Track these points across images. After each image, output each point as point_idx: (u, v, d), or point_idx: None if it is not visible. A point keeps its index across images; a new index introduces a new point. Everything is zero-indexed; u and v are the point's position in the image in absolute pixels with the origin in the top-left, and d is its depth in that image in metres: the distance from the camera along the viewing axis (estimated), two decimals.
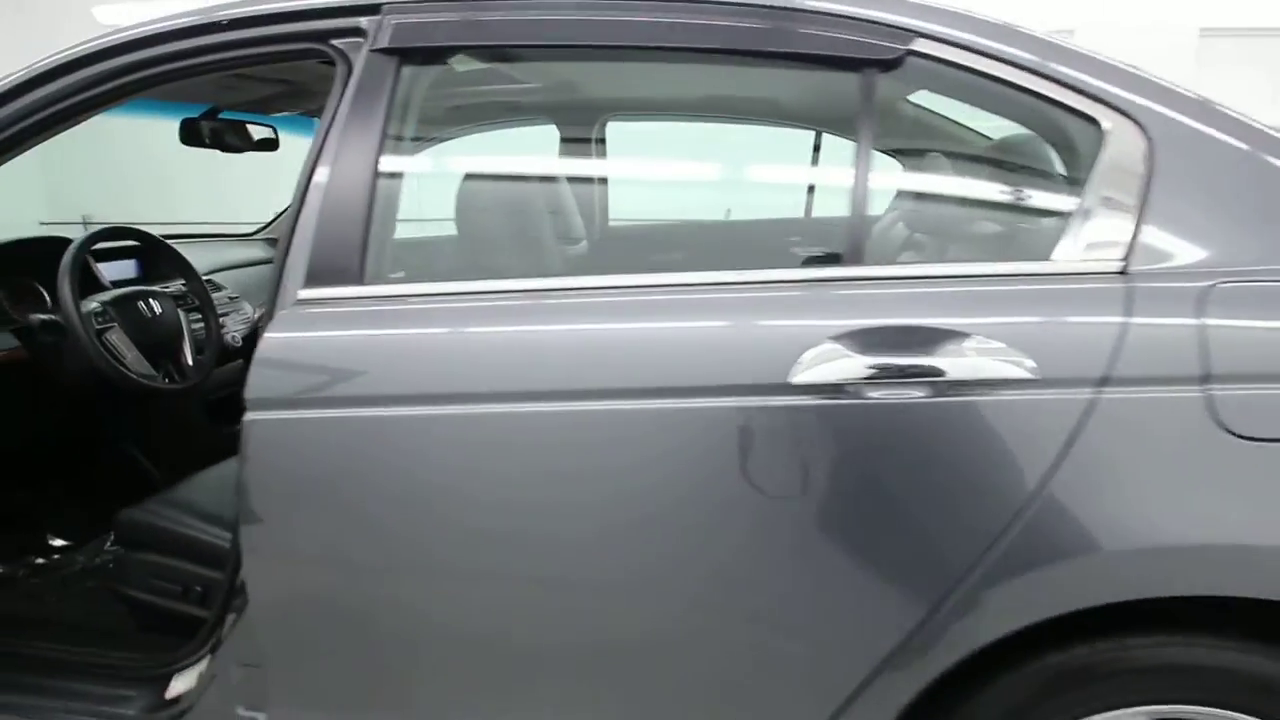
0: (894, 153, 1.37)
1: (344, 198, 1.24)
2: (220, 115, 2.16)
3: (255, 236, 3.04)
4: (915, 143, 1.23)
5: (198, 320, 2.07)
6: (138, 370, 1.81)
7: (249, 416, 1.18)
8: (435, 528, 1.15)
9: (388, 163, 1.26)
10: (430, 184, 1.35)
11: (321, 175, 1.25)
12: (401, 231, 1.29)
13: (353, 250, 1.23)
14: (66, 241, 1.93)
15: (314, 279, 1.23)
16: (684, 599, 1.09)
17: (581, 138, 1.68)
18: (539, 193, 1.43)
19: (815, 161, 1.42)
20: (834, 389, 1.01)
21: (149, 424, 2.31)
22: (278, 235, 3.00)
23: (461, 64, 1.31)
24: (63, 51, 1.34)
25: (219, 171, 3.15)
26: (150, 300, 1.91)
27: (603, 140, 1.69)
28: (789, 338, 1.03)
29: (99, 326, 1.77)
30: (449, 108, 1.57)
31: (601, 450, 1.08)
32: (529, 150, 1.54)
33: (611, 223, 1.66)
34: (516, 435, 1.10)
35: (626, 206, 1.56)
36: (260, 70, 1.87)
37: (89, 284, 2.08)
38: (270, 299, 1.25)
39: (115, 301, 1.84)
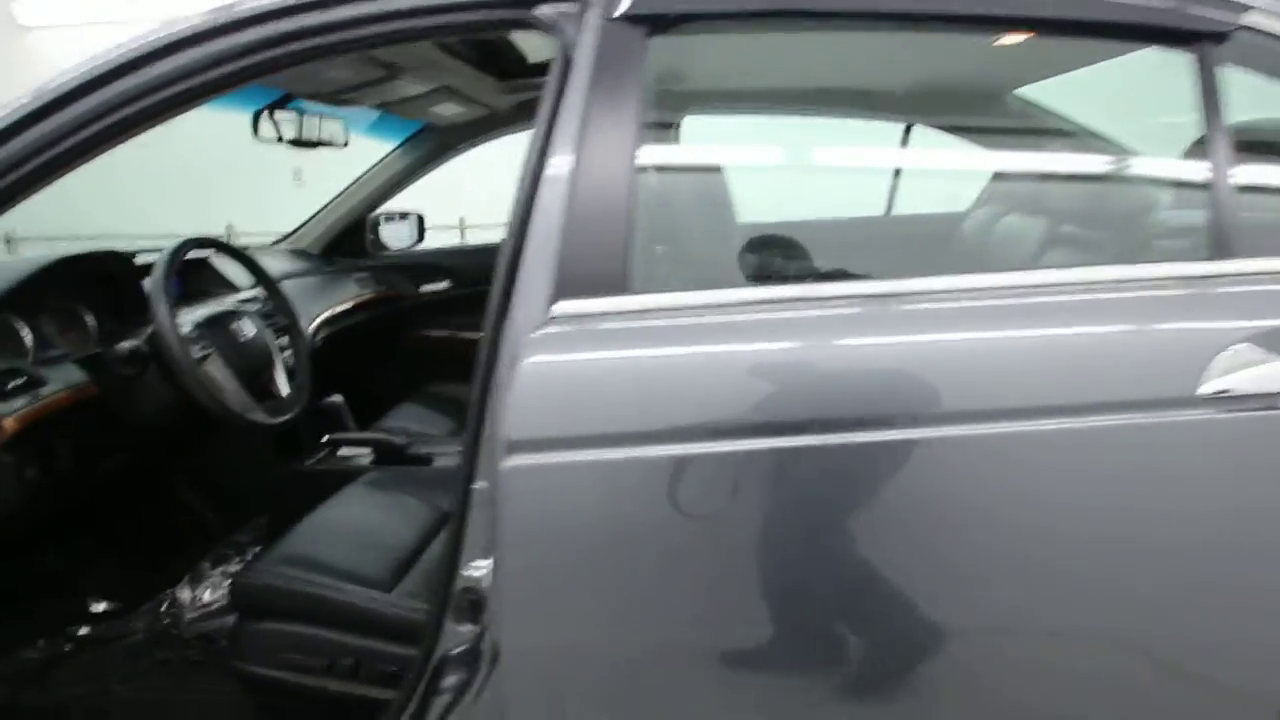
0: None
1: (598, 193, 1.03)
2: (289, 106, 1.88)
3: (278, 247, 2.73)
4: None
5: (283, 343, 1.79)
6: (239, 405, 1.53)
7: (512, 462, 0.96)
8: (776, 587, 0.96)
9: (648, 151, 1.06)
10: (703, 174, 1.16)
11: (559, 168, 1.04)
12: (673, 230, 1.08)
13: (615, 254, 1.03)
14: (99, 259, 1.62)
15: (568, 290, 1.02)
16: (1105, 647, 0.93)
17: (878, 117, 1.49)
18: (840, 178, 1.24)
19: (1149, 149, 1.29)
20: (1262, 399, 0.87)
21: (205, 462, 2.00)
22: (304, 245, 2.72)
23: (727, 35, 1.11)
24: (180, 24, 1.08)
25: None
26: (242, 320, 1.63)
27: (897, 119, 1.49)
28: (1192, 342, 0.89)
29: (198, 355, 1.48)
30: (720, 85, 1.36)
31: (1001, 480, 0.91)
32: (822, 131, 1.35)
33: (924, 212, 1.47)
34: (879, 467, 0.92)
35: (941, 195, 1.39)
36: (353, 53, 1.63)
37: (142, 305, 1.78)
38: (495, 318, 1.04)
39: (208, 323, 1.56)
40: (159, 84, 1.07)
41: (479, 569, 1.12)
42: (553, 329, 1.00)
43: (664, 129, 1.10)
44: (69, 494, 1.55)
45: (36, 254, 1.59)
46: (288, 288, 2.30)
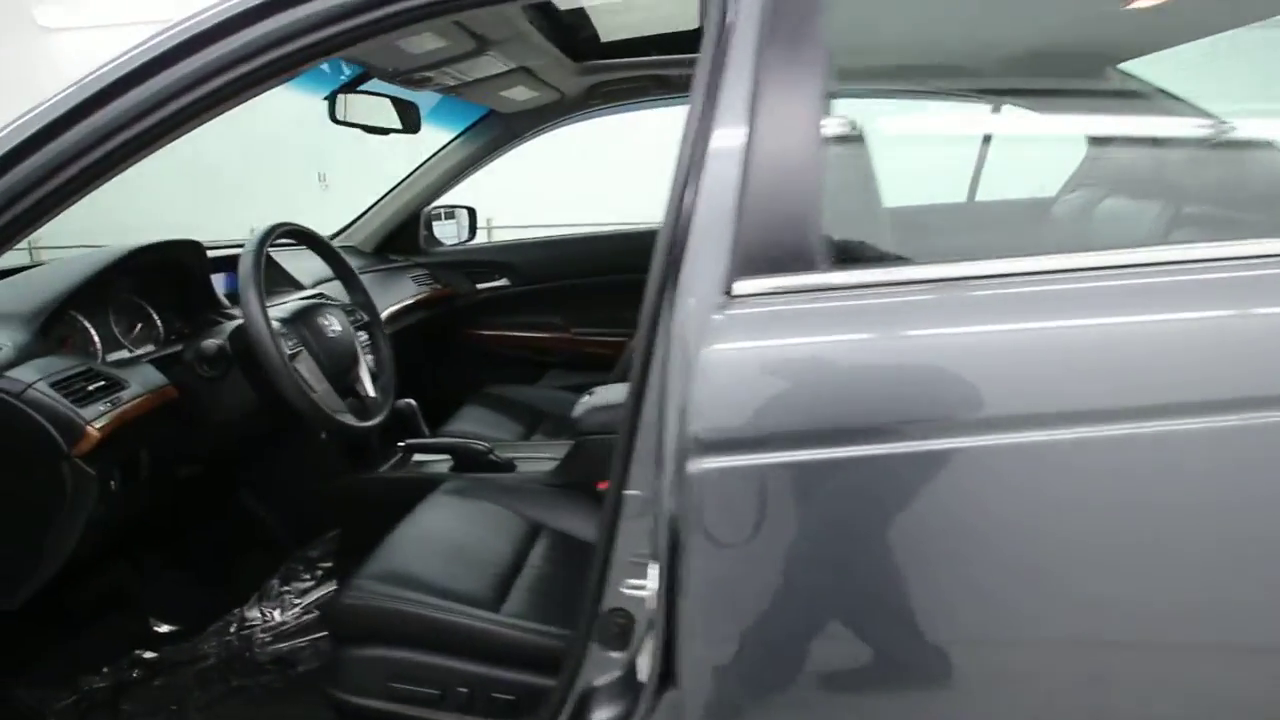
0: None
1: (781, 161, 0.89)
2: (361, 88, 1.75)
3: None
4: None
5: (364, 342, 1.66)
6: (330, 406, 1.39)
7: (704, 464, 0.82)
8: (1013, 609, 0.81)
9: (834, 114, 0.92)
10: (894, 141, 1.02)
11: (730, 139, 0.90)
12: (866, 201, 0.95)
13: (806, 227, 0.89)
14: (169, 249, 1.49)
15: (751, 267, 0.88)
16: None
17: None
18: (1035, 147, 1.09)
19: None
20: None
21: (273, 471, 1.87)
22: (354, 242, 2.59)
23: None
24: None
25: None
26: (328, 315, 1.49)
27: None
28: None
29: (288, 352, 1.35)
30: (908, 41, 1.21)
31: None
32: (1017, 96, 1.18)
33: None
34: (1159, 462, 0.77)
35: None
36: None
37: (210, 301, 1.65)
38: (654, 303, 0.90)
39: (294, 318, 1.43)
40: (211, 70, 0.95)
41: (636, 589, 0.98)
42: (738, 311, 0.86)
43: (847, 89, 0.96)
44: (144, 507, 1.42)
45: (106, 247, 1.46)
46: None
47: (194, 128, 1.00)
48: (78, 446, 1.13)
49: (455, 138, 2.49)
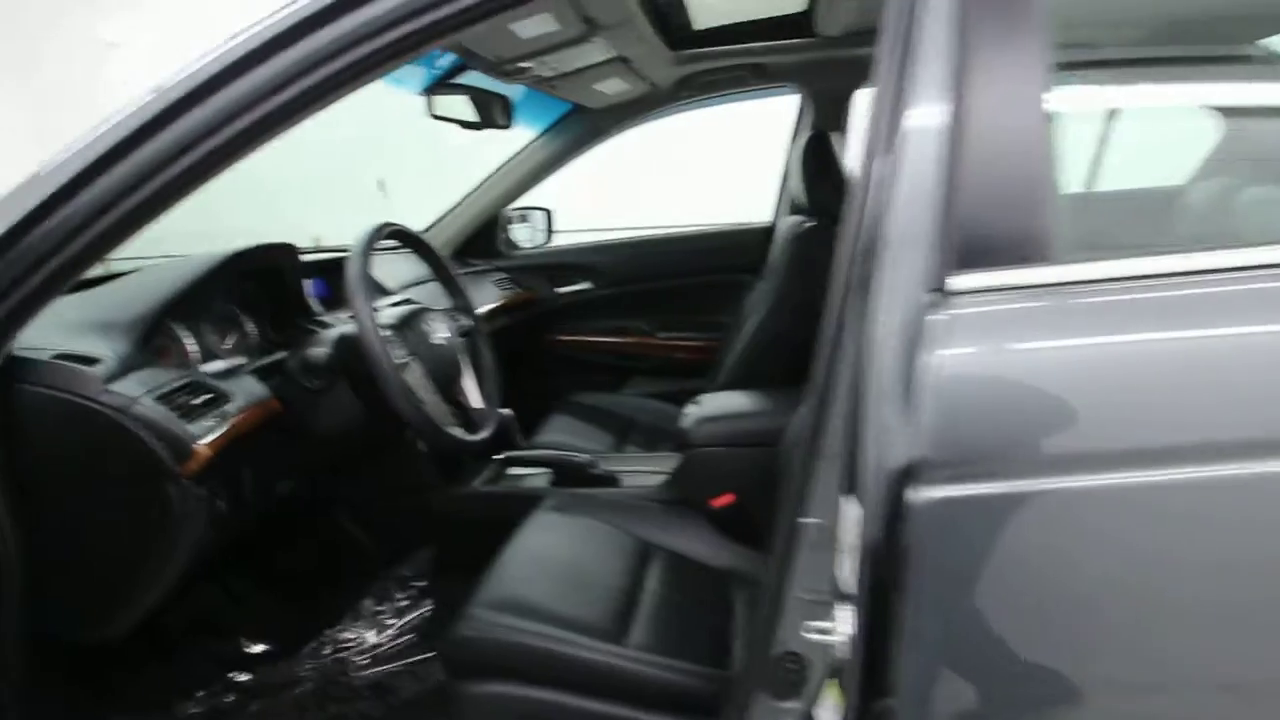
0: None
1: (996, 135, 0.76)
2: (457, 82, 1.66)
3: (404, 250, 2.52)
4: None
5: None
6: (441, 419, 1.29)
7: (928, 492, 0.69)
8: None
9: (1059, 86, 0.78)
10: (1129, 113, 0.88)
11: (929, 117, 0.77)
12: (1101, 183, 0.80)
13: (1034, 211, 0.75)
14: (265, 254, 1.41)
15: (968, 258, 0.74)
16: None
17: None
18: None
19: None
20: None
21: (366, 486, 1.78)
22: (437, 246, 2.51)
23: None
24: None
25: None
26: (432, 321, 1.40)
27: None
28: None
29: (399, 363, 1.25)
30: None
31: None
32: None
33: None
34: None
35: None
36: None
37: (303, 308, 1.57)
38: (840, 301, 0.78)
39: (400, 325, 1.33)
40: (285, 78, 0.86)
41: (820, 631, 0.85)
42: (960, 311, 0.72)
43: (1071, 57, 0.82)
44: (245, 527, 1.33)
45: (200, 254, 1.38)
46: (423, 290, 2.09)
47: (270, 139, 0.92)
48: (185, 466, 1.05)
49: (537, 136, 2.40)
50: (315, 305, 1.63)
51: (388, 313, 1.36)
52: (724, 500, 1.66)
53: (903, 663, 0.74)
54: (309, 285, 1.83)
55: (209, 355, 1.39)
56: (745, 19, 2.01)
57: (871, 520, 0.74)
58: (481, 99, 1.72)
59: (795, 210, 2.36)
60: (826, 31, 1.95)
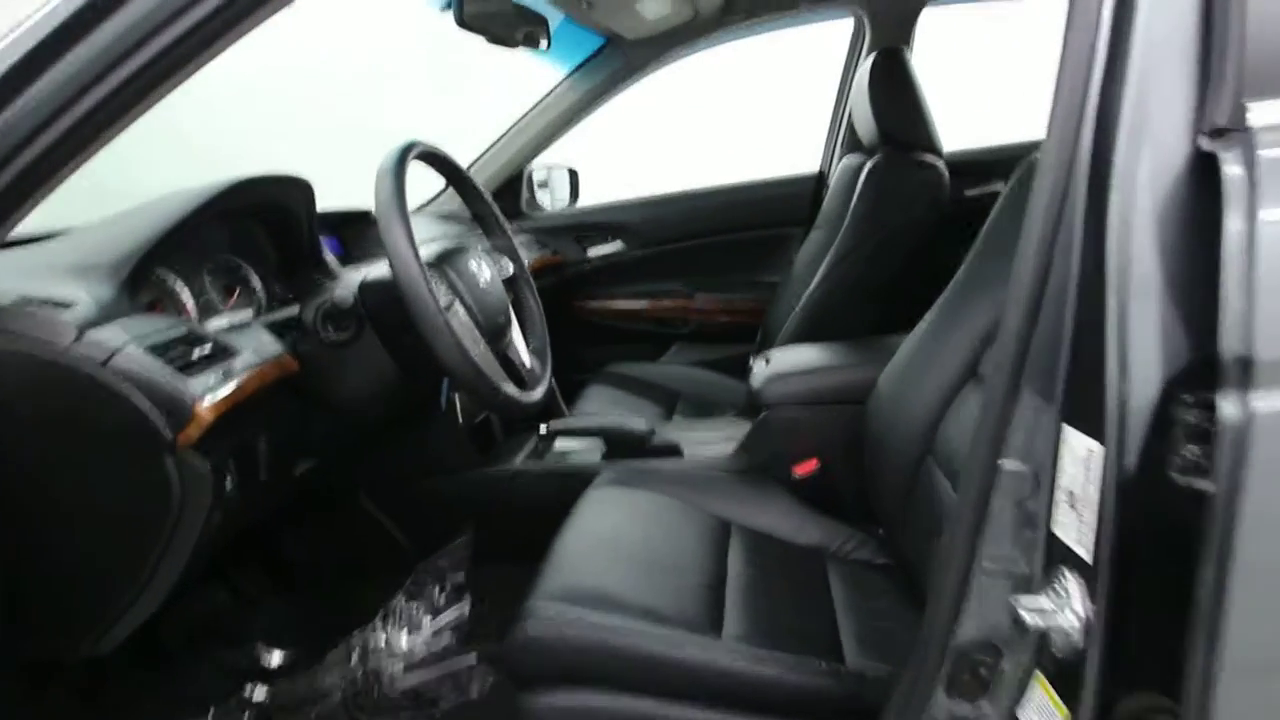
0: None
1: None
2: None
3: (421, 212, 2.29)
4: None
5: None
6: (495, 374, 1.06)
7: (1243, 404, 0.49)
8: None
9: None
10: None
11: None
12: None
13: None
14: (267, 189, 1.18)
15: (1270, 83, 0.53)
16: None
17: None
18: None
19: None
20: None
21: (394, 464, 1.55)
22: (451, 208, 2.28)
23: None
24: None
25: None
26: (477, 260, 1.17)
27: None
28: None
29: (444, 304, 1.02)
30: None
31: None
32: None
33: None
34: None
35: None
36: None
37: (317, 261, 1.33)
38: (1062, 167, 0.60)
39: (441, 261, 1.10)
40: None
41: (1032, 611, 0.64)
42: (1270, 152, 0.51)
43: None
44: (257, 514, 1.11)
45: (189, 189, 1.14)
46: (434, 250, 1.86)
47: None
48: (185, 433, 0.82)
49: (567, 76, 2.15)
50: (332, 260, 1.39)
51: (428, 249, 1.13)
52: (807, 467, 1.44)
53: (1198, 649, 0.53)
54: (329, 244, 1.60)
55: (210, 311, 1.16)
56: None
57: (1127, 454, 0.53)
58: (517, 11, 1.48)
59: (855, 148, 2.13)
60: None
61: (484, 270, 1.15)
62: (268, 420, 0.99)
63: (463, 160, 2.27)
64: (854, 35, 2.11)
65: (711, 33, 2.04)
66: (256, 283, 1.28)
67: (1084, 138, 0.59)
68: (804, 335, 1.71)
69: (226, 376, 0.89)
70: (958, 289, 1.21)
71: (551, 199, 2.43)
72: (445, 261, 1.09)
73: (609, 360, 2.26)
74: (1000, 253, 1.14)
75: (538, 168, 2.35)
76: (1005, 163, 2.12)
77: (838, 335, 1.64)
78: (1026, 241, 0.63)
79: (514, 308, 1.29)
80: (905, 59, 1.70)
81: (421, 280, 0.93)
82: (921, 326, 1.25)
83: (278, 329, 1.11)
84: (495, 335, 1.14)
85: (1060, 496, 0.63)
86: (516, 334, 1.22)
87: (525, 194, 2.35)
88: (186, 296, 1.13)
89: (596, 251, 2.40)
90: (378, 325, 1.08)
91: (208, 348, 0.92)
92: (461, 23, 1.35)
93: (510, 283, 1.31)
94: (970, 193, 1.99)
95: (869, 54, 2.03)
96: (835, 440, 1.41)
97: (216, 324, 1.13)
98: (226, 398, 0.86)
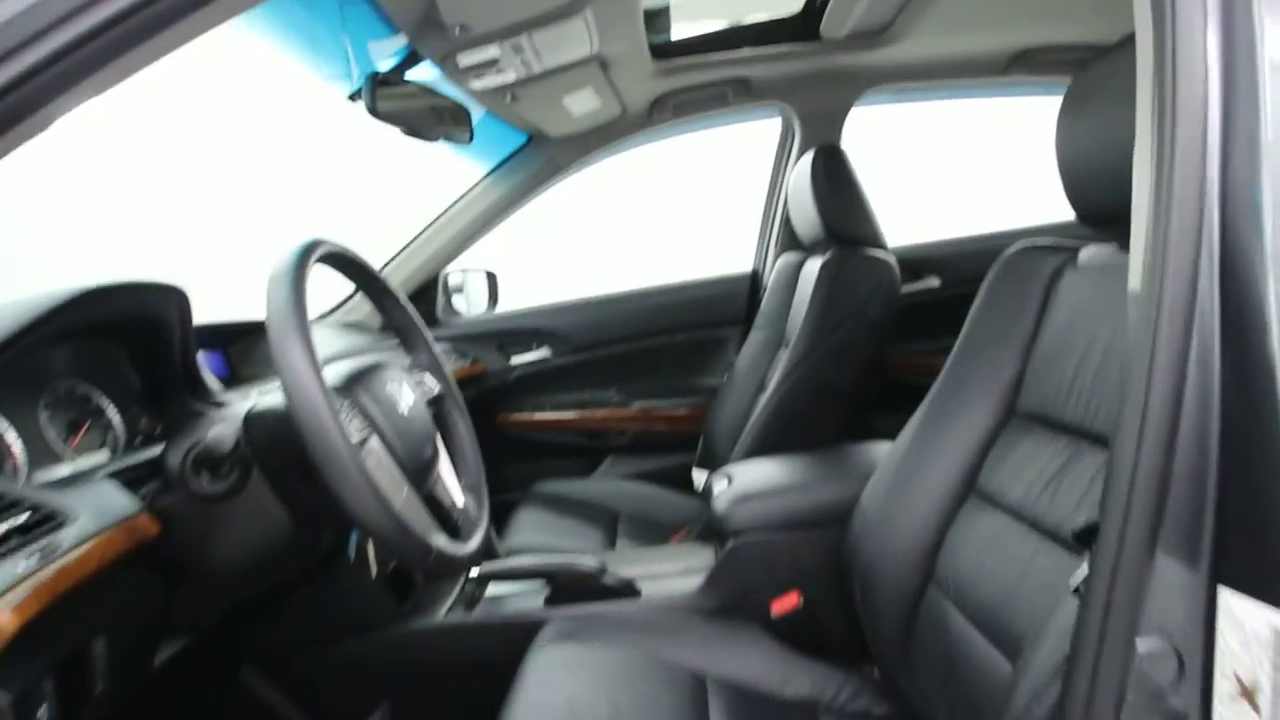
0: None
1: None
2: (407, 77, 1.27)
3: (324, 320, 2.06)
4: None
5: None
6: (422, 526, 0.84)
7: None
8: None
9: None
10: None
11: None
12: None
13: None
14: (123, 297, 0.95)
15: None
16: None
17: None
18: None
19: None
20: None
21: (288, 633, 1.27)
22: (359, 317, 2.06)
23: None
24: None
25: None
26: (395, 381, 0.95)
27: None
28: None
29: (356, 442, 0.81)
30: None
31: None
32: None
33: None
34: None
35: None
36: None
37: (195, 386, 1.09)
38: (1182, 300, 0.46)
39: (352, 384, 0.89)
40: None
41: None
42: None
43: None
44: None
45: (19, 300, 0.90)
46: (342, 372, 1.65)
47: None
48: None
49: (486, 175, 2.02)
50: (213, 383, 1.15)
51: (335, 369, 0.91)
52: (787, 603, 1.26)
53: None
54: (201, 359, 1.36)
55: (44, 457, 0.90)
56: (732, 24, 1.73)
57: None
58: (436, 102, 1.33)
59: (792, 246, 2.06)
60: (829, 34, 1.69)
61: (405, 393, 0.94)
62: (111, 612, 0.74)
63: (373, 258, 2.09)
64: (783, 134, 2.07)
65: (639, 131, 1.96)
66: (113, 416, 1.03)
67: (1209, 229, 0.47)
68: (763, 447, 1.56)
69: (45, 558, 0.64)
70: (942, 395, 1.08)
71: (468, 305, 2.26)
72: (357, 384, 0.88)
73: (537, 478, 2.05)
74: (985, 353, 1.04)
75: (453, 271, 2.19)
76: (937, 259, 2.12)
77: (800, 445, 1.49)
78: (1140, 356, 0.50)
79: (441, 435, 1.07)
80: (844, 156, 1.64)
81: (326, 410, 0.72)
82: (905, 436, 1.11)
83: (135, 477, 0.86)
84: (420, 474, 0.92)
85: (1224, 687, 0.47)
86: (445, 468, 1.00)
87: (440, 300, 2.17)
88: (13, 439, 0.87)
89: (521, 359, 2.22)
90: (268, 469, 0.85)
91: (22, 516, 0.67)
92: (374, 112, 1.18)
93: (436, 404, 1.10)
94: (908, 289, 1.93)
95: (800, 152, 2.00)
96: (816, 569, 1.24)
97: (51, 475, 0.87)
98: (39, 591, 0.61)
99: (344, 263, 0.97)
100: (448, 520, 0.97)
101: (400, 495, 0.83)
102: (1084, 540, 0.61)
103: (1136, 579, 0.48)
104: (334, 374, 0.89)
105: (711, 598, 1.29)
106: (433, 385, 1.09)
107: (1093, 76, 0.84)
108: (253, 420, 0.87)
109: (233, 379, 1.43)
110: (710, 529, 1.42)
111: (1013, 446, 0.96)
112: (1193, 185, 0.48)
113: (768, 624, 1.24)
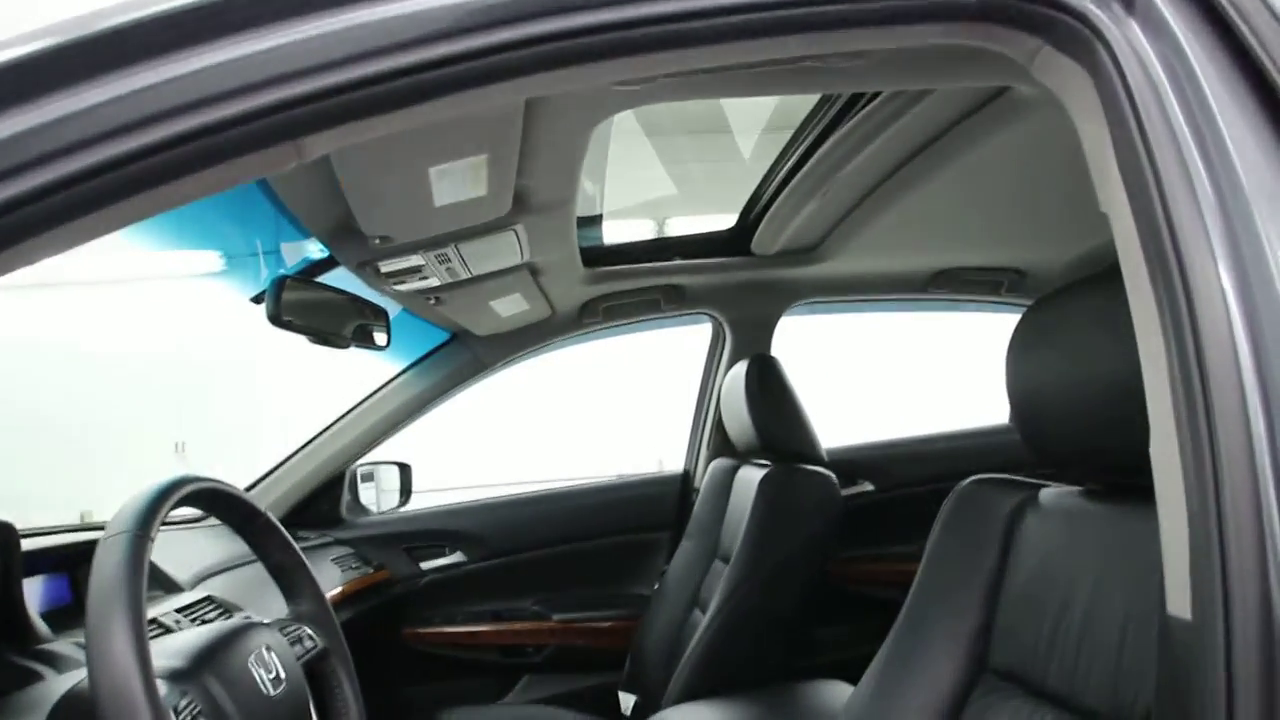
0: None
1: None
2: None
3: (207, 523, 1.84)
4: None
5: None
6: None
7: None
8: None
9: None
10: None
11: None
12: None
13: None
14: None
15: None
16: None
17: None
18: None
19: None
20: None
21: None
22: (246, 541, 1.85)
23: None
24: None
25: None
26: (263, 651, 0.78)
27: None
28: None
29: None
30: None
31: None
32: None
33: None
34: None
35: None
36: None
37: (16, 628, 0.90)
38: None
39: (198, 665, 0.71)
40: None
41: None
42: None
43: None
44: None
45: None
46: (229, 585, 1.44)
47: None
48: None
49: (403, 371, 1.92)
50: (40, 625, 0.96)
51: (175, 643, 0.74)
52: None
53: None
54: (36, 588, 1.16)
55: None
56: (665, 236, 1.76)
57: None
58: (350, 306, 1.24)
59: (724, 452, 1.99)
60: (760, 250, 1.72)
61: (273, 664, 0.77)
62: None
63: (268, 462, 1.91)
64: (713, 339, 2.07)
65: (568, 333, 1.92)
66: None
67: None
68: (703, 681, 1.40)
69: None
70: (903, 639, 0.98)
71: (377, 499, 2.08)
72: (205, 667, 0.71)
73: (445, 699, 1.81)
74: (946, 596, 0.95)
75: (362, 465, 2.02)
76: (867, 463, 2.09)
77: (742, 677, 1.34)
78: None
79: (319, 705, 0.89)
80: (779, 366, 1.62)
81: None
82: (865, 687, 0.99)
83: None
84: None
85: None
86: None
87: (347, 496, 1.98)
88: None
89: (431, 565, 2.02)
90: None
91: None
92: (275, 320, 1.08)
93: (317, 664, 0.92)
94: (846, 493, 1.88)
95: (732, 356, 1.98)
96: None
97: None
98: None
99: (212, 499, 0.83)
100: None
101: None
102: None
103: None
104: (176, 651, 0.72)
105: None
106: (314, 642, 0.92)
107: (1045, 316, 0.81)
108: (62, 713, 0.69)
109: (77, 606, 1.22)
110: None
111: (990, 712, 0.84)
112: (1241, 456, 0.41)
113: None
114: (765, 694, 1.28)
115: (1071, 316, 0.77)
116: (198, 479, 0.80)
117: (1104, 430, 0.72)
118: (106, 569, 0.62)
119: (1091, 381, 0.72)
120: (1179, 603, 0.45)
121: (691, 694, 1.38)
